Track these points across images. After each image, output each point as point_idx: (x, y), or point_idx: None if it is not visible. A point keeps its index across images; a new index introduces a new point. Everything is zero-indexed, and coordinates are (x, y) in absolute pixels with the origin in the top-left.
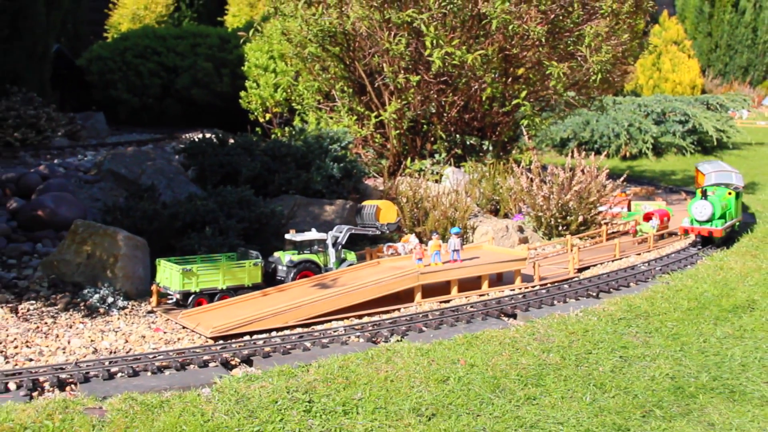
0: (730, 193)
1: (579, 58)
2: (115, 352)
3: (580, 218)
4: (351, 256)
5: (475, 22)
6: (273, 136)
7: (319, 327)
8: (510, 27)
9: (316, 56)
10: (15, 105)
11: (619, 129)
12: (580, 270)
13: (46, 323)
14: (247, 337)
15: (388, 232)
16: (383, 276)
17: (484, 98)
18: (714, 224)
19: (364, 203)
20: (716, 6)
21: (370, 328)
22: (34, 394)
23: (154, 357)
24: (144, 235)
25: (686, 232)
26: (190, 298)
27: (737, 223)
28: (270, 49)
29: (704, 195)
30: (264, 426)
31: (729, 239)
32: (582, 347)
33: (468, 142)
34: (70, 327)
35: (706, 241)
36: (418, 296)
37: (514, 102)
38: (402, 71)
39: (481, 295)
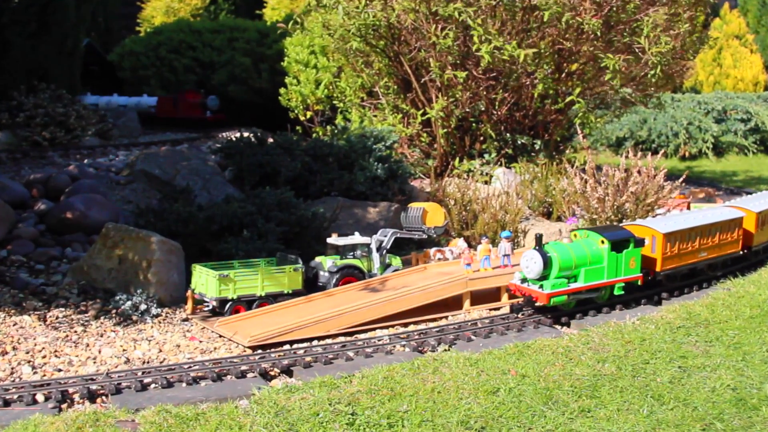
0: (603, 242)
1: (637, 50)
2: (148, 362)
3: None
4: (396, 261)
5: (526, 14)
6: (314, 134)
7: (362, 336)
8: (563, 19)
9: (359, 51)
10: (43, 102)
11: (677, 128)
12: None
13: (75, 332)
14: (287, 347)
15: (435, 235)
16: (430, 282)
17: (535, 95)
18: (544, 285)
19: (409, 205)
20: None
21: (416, 337)
22: (64, 406)
23: (190, 367)
24: (178, 239)
25: (508, 290)
26: (227, 306)
27: (622, 285)
28: (311, 43)
29: (538, 242)
30: None
31: (609, 306)
32: (639, 357)
33: (519, 142)
34: (101, 336)
35: (542, 308)
36: (466, 303)
37: (568, 99)
38: (449, 66)
39: None
